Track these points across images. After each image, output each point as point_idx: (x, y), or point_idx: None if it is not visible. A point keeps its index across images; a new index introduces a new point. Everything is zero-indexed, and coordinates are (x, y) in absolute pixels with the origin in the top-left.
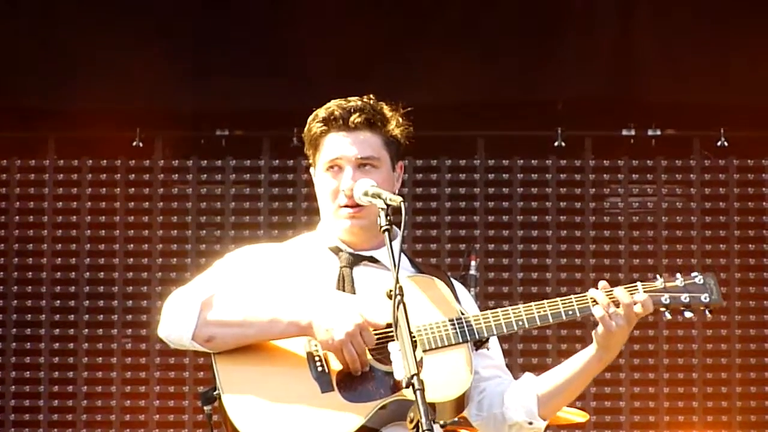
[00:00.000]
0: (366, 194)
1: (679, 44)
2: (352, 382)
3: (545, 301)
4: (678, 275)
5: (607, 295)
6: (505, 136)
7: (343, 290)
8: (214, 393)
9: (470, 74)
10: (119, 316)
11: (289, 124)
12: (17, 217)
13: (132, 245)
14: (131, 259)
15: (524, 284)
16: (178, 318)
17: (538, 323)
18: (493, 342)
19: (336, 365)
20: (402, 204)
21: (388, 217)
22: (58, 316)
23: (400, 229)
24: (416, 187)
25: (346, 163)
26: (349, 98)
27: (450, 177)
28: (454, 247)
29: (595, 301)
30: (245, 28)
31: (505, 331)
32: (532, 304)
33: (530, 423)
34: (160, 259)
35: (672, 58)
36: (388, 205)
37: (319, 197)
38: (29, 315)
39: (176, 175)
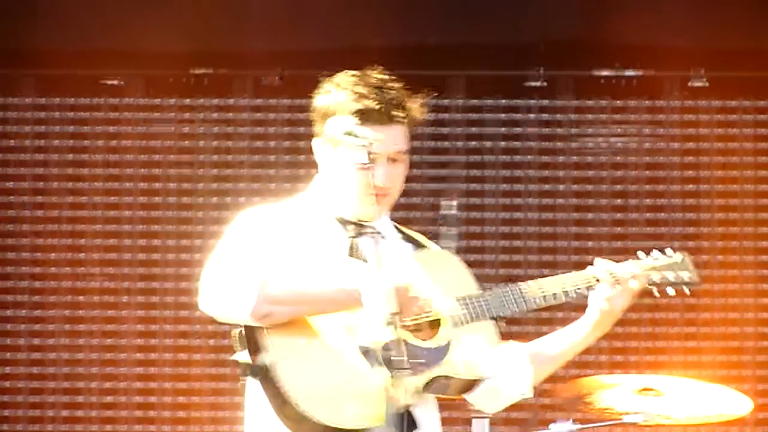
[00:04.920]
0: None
1: None
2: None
3: (549, 280)
4: (656, 252)
5: (609, 273)
6: (487, 75)
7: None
8: (265, 363)
9: (452, 14)
10: (100, 254)
11: (273, 64)
12: None
13: (112, 183)
14: (113, 198)
15: (505, 224)
16: (235, 295)
17: (554, 301)
18: None
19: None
20: None
21: (371, 155)
22: (39, 254)
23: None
24: None
25: (379, 157)
26: (375, 77)
27: (431, 116)
28: (435, 187)
29: (597, 279)
30: None
31: (525, 307)
32: (541, 282)
33: (522, 394)
34: (143, 198)
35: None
36: (370, 143)
37: (339, 175)
38: (10, 253)
39: (157, 113)
